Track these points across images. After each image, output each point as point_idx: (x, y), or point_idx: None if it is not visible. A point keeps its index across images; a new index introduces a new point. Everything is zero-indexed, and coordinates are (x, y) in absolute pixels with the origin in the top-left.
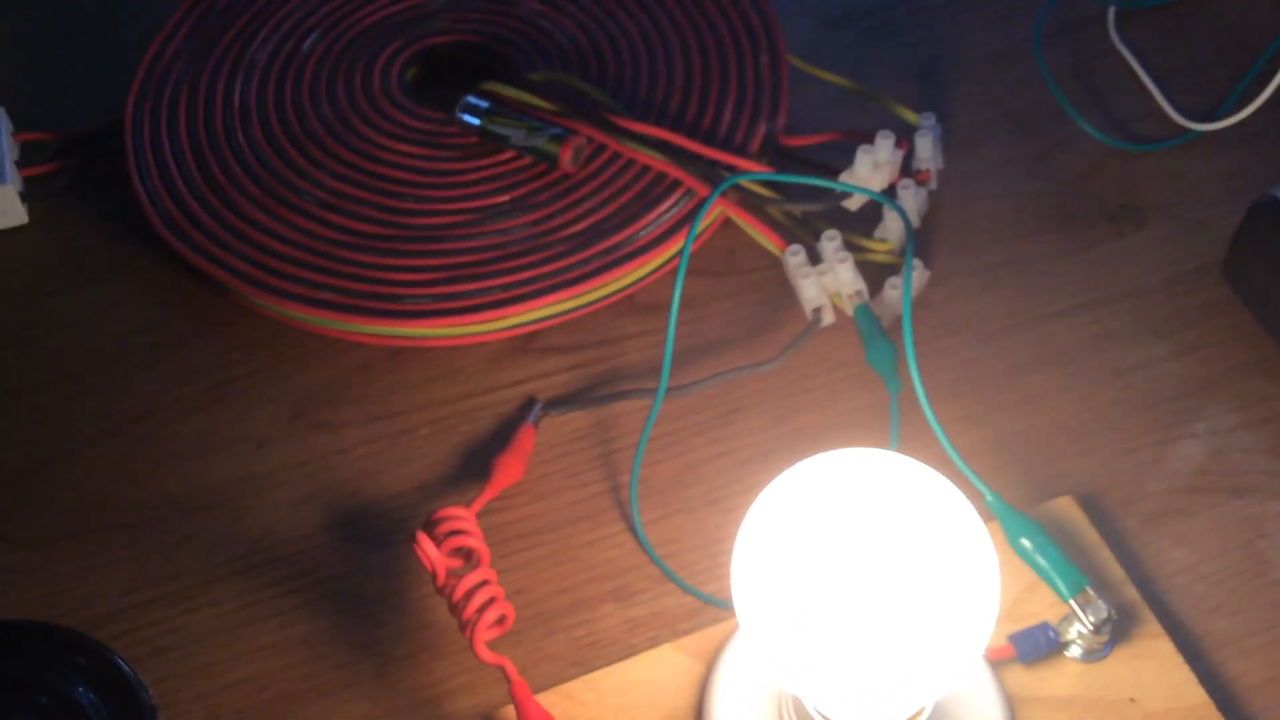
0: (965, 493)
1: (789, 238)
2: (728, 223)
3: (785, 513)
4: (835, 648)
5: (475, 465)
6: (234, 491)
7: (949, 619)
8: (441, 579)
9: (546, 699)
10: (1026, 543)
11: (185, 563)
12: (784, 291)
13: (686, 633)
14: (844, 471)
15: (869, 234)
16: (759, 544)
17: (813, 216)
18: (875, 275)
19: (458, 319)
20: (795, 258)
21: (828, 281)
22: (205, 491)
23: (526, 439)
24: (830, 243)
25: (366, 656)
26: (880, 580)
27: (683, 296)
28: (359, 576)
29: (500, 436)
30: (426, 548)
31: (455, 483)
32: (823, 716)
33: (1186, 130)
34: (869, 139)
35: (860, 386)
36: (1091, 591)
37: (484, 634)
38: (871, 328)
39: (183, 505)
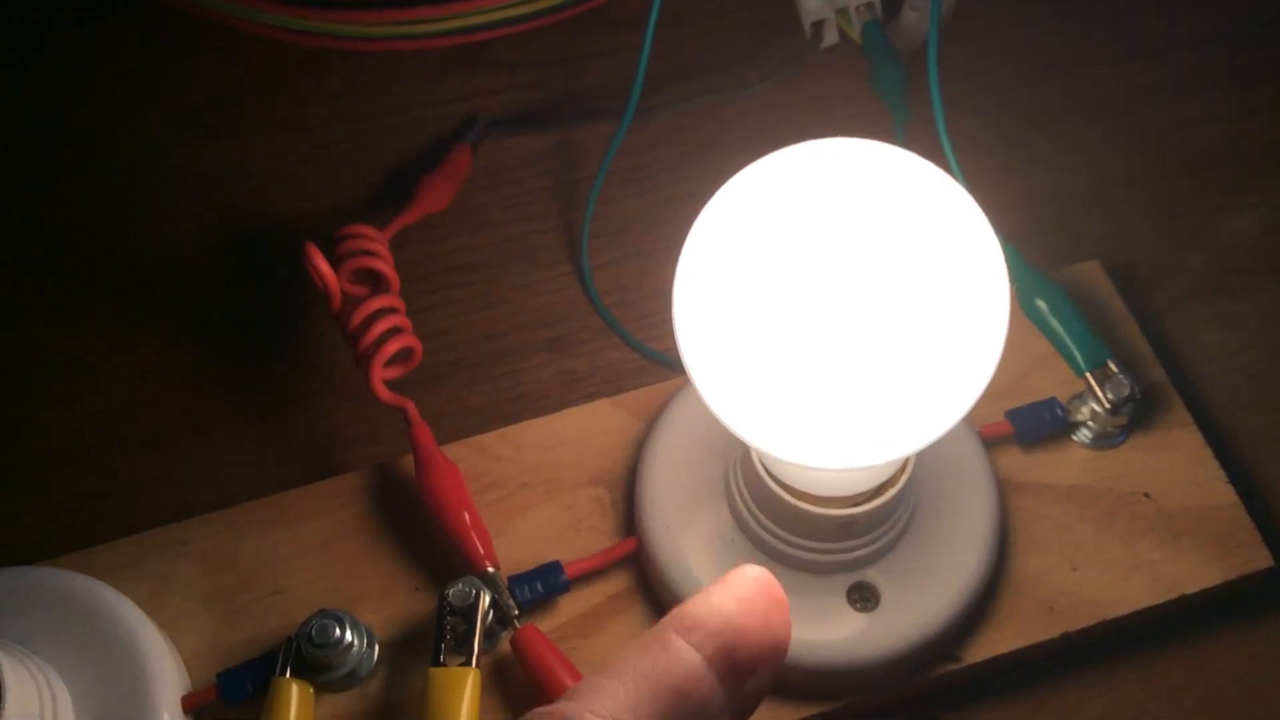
0: None
1: None
2: None
3: (744, 212)
4: (799, 369)
5: (400, 189)
6: (118, 206)
7: (940, 343)
8: (338, 301)
9: (455, 450)
10: (1043, 305)
11: (57, 280)
12: (783, 12)
13: (631, 391)
14: (815, 165)
15: None
16: (711, 248)
17: None
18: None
19: (391, 13)
20: None
21: None
22: (85, 205)
23: (461, 160)
24: None
25: (254, 394)
26: (857, 291)
27: (662, 11)
28: (254, 306)
29: (433, 158)
30: (318, 261)
31: (374, 207)
32: (778, 481)
33: None
34: None
35: (863, 122)
36: (1113, 366)
37: (382, 370)
38: (881, 48)
39: (61, 222)
